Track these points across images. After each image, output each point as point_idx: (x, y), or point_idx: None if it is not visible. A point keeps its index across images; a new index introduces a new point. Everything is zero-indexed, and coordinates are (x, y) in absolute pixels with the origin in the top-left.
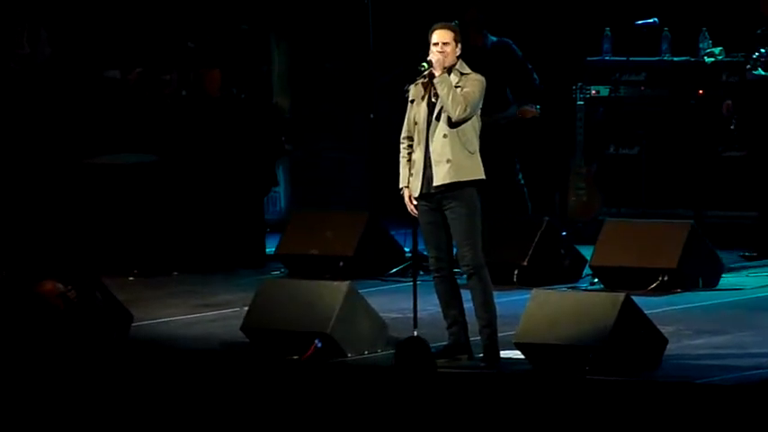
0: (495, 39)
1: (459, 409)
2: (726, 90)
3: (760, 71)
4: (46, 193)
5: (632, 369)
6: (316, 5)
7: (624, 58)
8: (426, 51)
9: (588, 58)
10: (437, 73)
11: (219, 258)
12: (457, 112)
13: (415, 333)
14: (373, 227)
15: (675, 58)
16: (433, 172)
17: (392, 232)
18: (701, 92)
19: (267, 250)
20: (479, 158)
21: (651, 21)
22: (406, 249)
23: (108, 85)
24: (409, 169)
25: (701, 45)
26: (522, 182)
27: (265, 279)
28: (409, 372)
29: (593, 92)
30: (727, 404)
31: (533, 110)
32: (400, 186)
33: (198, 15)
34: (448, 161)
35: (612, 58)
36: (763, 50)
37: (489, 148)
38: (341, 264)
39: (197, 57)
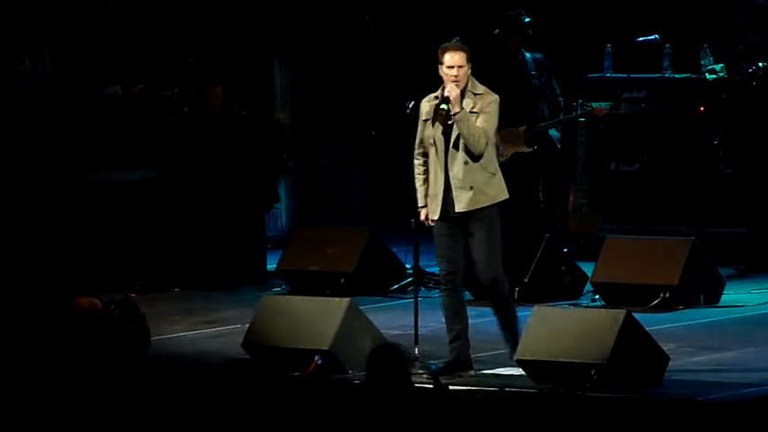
0: (528, 54)
1: (462, 427)
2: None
3: None
4: (48, 208)
5: (633, 386)
6: (317, 21)
7: (625, 75)
8: (429, 67)
9: (589, 75)
10: (456, 109)
11: (221, 275)
12: (479, 148)
13: (416, 350)
14: (374, 243)
15: (676, 75)
16: (455, 197)
17: (393, 248)
18: (702, 108)
19: (268, 267)
20: (501, 176)
21: (652, 38)
22: (408, 266)
23: (109, 101)
24: (426, 189)
25: (702, 62)
26: (542, 199)
27: (266, 296)
28: (381, 380)
29: None
30: (728, 422)
31: (605, 108)
32: (419, 205)
33: (199, 32)
34: (471, 188)
35: (613, 75)
36: (761, 64)
37: (516, 164)
38: (342, 280)
39: (199, 73)
